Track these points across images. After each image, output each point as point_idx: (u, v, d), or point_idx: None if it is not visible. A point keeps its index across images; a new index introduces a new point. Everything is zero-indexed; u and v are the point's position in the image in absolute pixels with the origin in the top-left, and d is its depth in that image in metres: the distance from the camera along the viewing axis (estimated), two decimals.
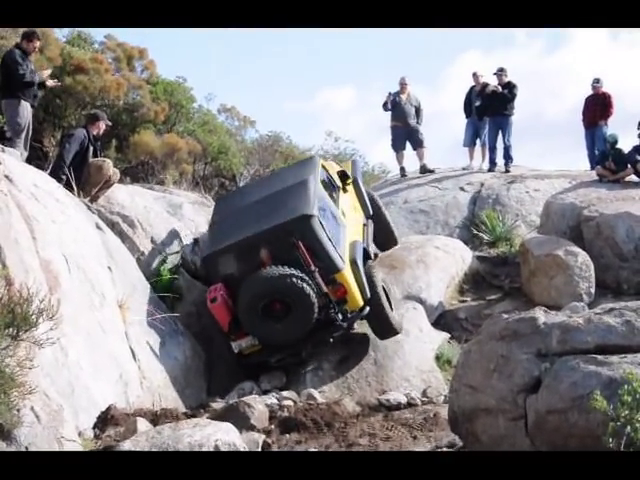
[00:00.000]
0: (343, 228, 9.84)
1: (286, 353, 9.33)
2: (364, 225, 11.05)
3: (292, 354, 9.39)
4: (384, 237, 11.73)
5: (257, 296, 8.85)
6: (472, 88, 15.65)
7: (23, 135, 10.21)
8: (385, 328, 9.62)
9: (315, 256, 8.96)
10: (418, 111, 15.62)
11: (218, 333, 9.42)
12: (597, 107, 14.92)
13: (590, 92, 15.11)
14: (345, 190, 10.94)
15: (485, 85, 15.36)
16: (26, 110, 10.22)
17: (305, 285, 8.74)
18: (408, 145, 15.72)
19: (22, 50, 10.35)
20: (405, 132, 15.50)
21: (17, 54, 10.28)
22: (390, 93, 15.35)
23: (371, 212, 11.42)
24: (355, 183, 11.41)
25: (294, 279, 8.72)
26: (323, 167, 10.59)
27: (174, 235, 10.74)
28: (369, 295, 9.32)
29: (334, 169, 11.21)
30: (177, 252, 10.44)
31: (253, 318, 8.92)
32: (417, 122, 15.60)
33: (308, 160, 11.36)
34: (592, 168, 14.74)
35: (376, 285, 9.47)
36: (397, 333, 9.75)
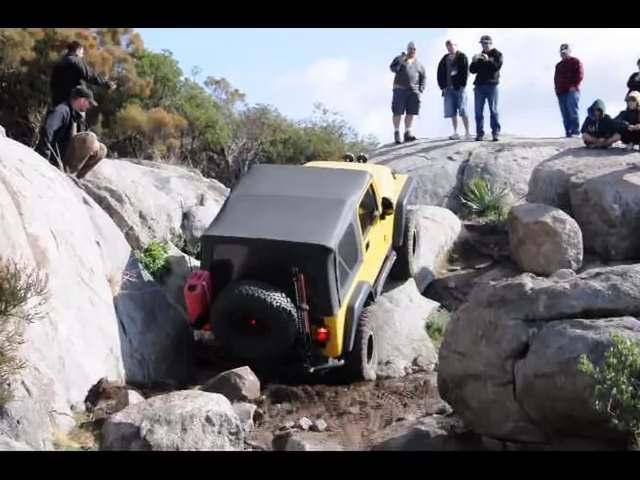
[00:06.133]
0: (359, 264, 9.02)
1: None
2: (386, 258, 10.11)
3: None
4: (398, 268, 10.45)
5: (235, 309, 8.26)
6: (446, 57, 15.59)
7: None
8: (354, 378, 8.66)
9: (313, 290, 8.21)
10: (422, 78, 15.61)
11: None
12: (567, 73, 15.03)
13: (560, 59, 15.17)
14: (383, 218, 9.89)
15: (460, 54, 15.34)
16: None
17: (288, 317, 8.10)
18: None
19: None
20: (406, 95, 15.51)
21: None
22: (403, 53, 15.36)
23: (401, 243, 10.42)
24: (399, 208, 10.30)
25: (280, 308, 8.07)
26: (371, 186, 9.59)
27: (162, 209, 10.70)
28: (351, 347, 8.56)
29: (382, 185, 10.08)
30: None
31: (224, 326, 8.36)
32: (419, 88, 15.61)
33: (358, 175, 9.70)
34: (567, 134, 15.08)
35: (362, 337, 8.69)
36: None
